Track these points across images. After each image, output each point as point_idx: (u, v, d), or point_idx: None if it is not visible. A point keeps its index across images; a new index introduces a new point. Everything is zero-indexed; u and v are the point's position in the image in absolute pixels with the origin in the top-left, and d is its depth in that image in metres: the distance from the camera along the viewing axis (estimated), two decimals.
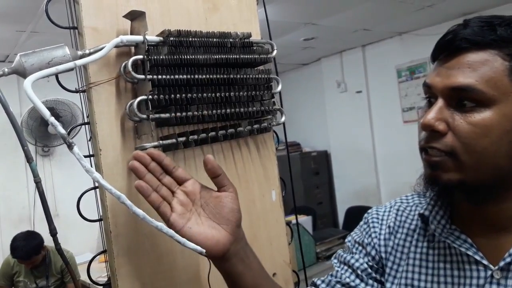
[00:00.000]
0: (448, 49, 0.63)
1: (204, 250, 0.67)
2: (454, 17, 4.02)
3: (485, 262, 0.64)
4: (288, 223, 1.00)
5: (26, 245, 2.90)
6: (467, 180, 0.61)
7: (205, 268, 0.80)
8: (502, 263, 0.62)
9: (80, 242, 3.84)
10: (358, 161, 5.11)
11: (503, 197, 0.64)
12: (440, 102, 0.62)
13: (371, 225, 0.80)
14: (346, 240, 0.85)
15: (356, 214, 4.46)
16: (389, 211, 0.80)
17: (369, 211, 0.84)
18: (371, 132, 4.99)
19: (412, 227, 0.76)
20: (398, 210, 0.79)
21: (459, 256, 0.67)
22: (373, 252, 0.78)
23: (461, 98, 0.60)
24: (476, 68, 0.60)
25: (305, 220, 3.25)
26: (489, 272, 0.63)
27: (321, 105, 5.57)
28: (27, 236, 2.97)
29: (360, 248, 0.80)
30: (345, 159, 5.32)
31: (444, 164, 0.61)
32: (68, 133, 0.61)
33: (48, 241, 3.07)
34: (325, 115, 5.53)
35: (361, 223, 0.84)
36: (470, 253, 0.65)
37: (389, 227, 0.78)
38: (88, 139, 0.77)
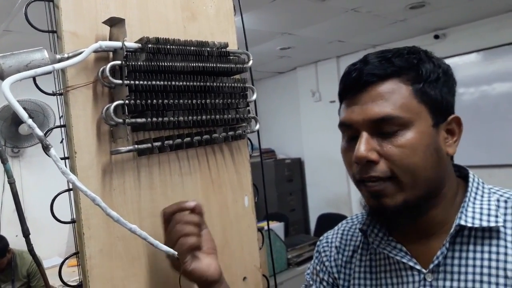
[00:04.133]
0: (356, 86, 0.68)
1: (176, 253, 0.70)
2: (425, 32, 4.16)
3: (418, 267, 0.70)
4: (260, 229, 1.03)
5: None
6: (409, 198, 0.66)
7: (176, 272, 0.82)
8: (431, 266, 0.69)
9: (49, 246, 3.74)
10: (331, 169, 5.19)
11: (431, 205, 0.70)
12: (364, 135, 0.67)
13: (321, 250, 0.88)
14: (305, 273, 0.92)
15: (327, 221, 4.52)
16: (336, 233, 0.88)
17: (320, 238, 0.92)
18: None
19: (357, 243, 0.83)
20: (343, 230, 0.87)
21: (396, 264, 0.73)
22: (325, 277, 0.85)
23: (383, 127, 0.66)
24: (388, 98, 0.66)
25: (278, 227, 3.26)
26: (422, 276, 0.69)
27: (296, 113, 5.64)
28: None
29: (315, 277, 0.88)
30: (318, 167, 5.40)
31: (387, 189, 0.66)
32: (45, 135, 0.62)
33: (14, 245, 2.99)
34: (299, 123, 5.60)
35: (314, 251, 0.91)
36: (404, 260, 0.71)
37: (336, 247, 0.86)
38: (60, 141, 0.78)
